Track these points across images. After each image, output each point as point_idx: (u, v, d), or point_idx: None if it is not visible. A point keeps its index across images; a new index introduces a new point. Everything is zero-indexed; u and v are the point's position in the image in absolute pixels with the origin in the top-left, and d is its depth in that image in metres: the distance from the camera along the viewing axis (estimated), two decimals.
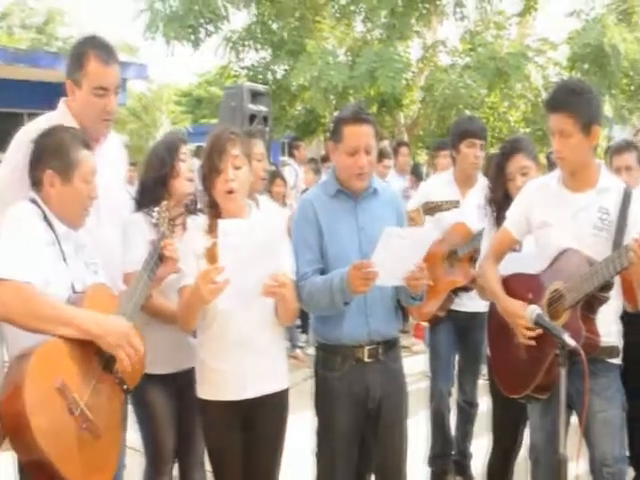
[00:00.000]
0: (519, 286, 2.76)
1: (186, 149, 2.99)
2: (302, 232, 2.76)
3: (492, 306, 2.93)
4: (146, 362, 2.45)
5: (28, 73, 12.54)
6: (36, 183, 2.33)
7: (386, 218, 2.78)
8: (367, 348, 2.73)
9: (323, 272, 2.72)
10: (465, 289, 3.66)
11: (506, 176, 3.19)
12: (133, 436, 3.03)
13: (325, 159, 8.13)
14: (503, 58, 9.48)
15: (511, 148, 3.23)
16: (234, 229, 2.32)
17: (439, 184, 4.00)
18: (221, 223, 2.31)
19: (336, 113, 10.80)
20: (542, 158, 8.57)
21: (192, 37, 11.14)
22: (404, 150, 7.96)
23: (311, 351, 5.62)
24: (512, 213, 2.87)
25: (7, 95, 12.19)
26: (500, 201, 3.17)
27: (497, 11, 11.35)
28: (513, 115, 11.70)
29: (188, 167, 2.95)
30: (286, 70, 11.32)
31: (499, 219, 3.11)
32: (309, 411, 3.04)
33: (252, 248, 2.32)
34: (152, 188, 2.89)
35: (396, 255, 2.44)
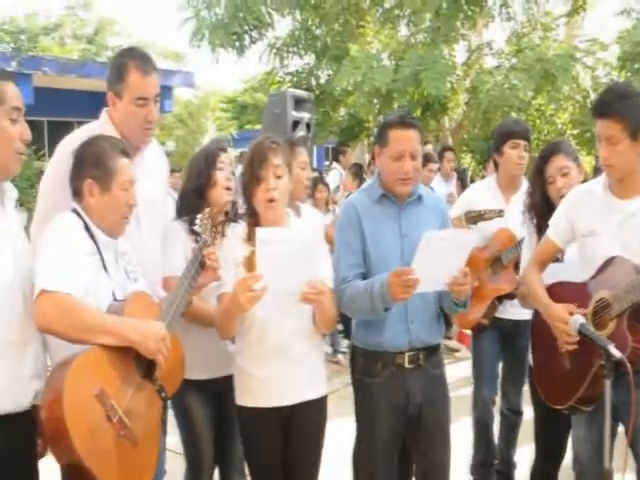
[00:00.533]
0: (564, 295, 2.69)
1: (225, 157, 3.01)
2: (345, 236, 2.76)
3: (535, 314, 2.87)
4: (185, 368, 2.48)
5: (78, 83, 12.87)
6: (77, 193, 2.37)
7: (430, 225, 2.75)
8: (408, 354, 2.72)
9: (365, 276, 2.71)
10: (509, 296, 3.59)
11: (545, 179, 3.12)
12: (174, 439, 3.07)
13: (371, 164, 8.13)
14: (550, 60, 9.30)
15: (549, 150, 3.17)
16: (272, 237, 2.33)
17: (482, 190, 3.94)
18: (259, 231, 2.32)
19: (380, 118, 10.82)
20: (592, 161, 8.39)
21: (237, 44, 11.26)
22: (449, 155, 7.88)
23: None
24: (555, 221, 2.80)
25: (58, 105, 12.53)
26: (540, 206, 3.09)
27: (544, 12, 11.16)
28: (560, 117, 11.48)
29: (226, 176, 2.96)
30: (329, 75, 11.34)
31: (539, 225, 3.05)
32: (350, 417, 3.02)
33: (290, 256, 2.33)
34: (191, 198, 2.93)
35: (437, 260, 2.42)
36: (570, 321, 2.41)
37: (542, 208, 3.07)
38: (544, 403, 2.79)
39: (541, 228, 3.01)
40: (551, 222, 2.82)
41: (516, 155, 3.68)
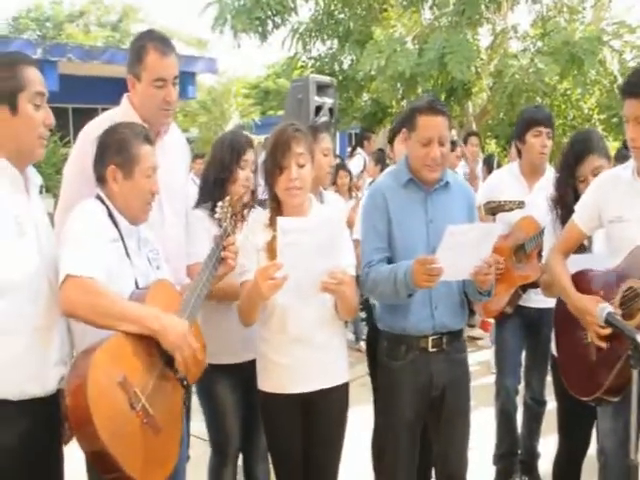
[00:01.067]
0: (589, 283, 2.64)
1: (250, 154, 2.99)
2: (371, 219, 2.76)
3: (559, 303, 2.82)
4: (211, 353, 2.48)
5: (103, 70, 12.93)
6: (100, 179, 2.38)
7: (456, 212, 2.76)
8: (431, 338, 2.73)
9: (390, 260, 2.72)
10: (534, 285, 3.54)
11: (576, 178, 3.04)
12: (198, 425, 3.08)
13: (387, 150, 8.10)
14: (577, 43, 9.12)
15: (583, 149, 3.03)
16: (293, 227, 2.33)
17: (505, 177, 3.88)
18: (280, 221, 2.32)
19: (403, 103, 10.71)
20: (619, 146, 8.26)
21: (259, 29, 11.20)
22: (474, 140, 7.88)
23: None
24: (581, 207, 2.74)
25: (83, 91, 12.61)
26: (570, 204, 2.97)
27: None
28: (587, 102, 11.28)
29: (246, 175, 2.96)
30: (352, 60, 11.25)
31: (565, 222, 2.96)
32: (371, 404, 3.02)
33: (310, 245, 2.33)
34: (212, 188, 2.94)
35: (461, 251, 2.41)
36: (597, 310, 2.37)
37: (572, 205, 2.95)
38: (568, 394, 2.75)
39: (564, 221, 2.94)
40: (577, 207, 2.77)
41: (539, 143, 3.62)
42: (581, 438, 3.13)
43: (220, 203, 2.63)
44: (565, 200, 3.04)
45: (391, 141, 3.64)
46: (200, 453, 3.17)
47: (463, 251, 2.42)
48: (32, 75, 2.11)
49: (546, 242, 3.15)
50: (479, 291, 2.66)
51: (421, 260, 2.46)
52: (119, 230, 2.34)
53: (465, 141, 7.80)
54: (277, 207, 2.62)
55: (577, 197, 2.98)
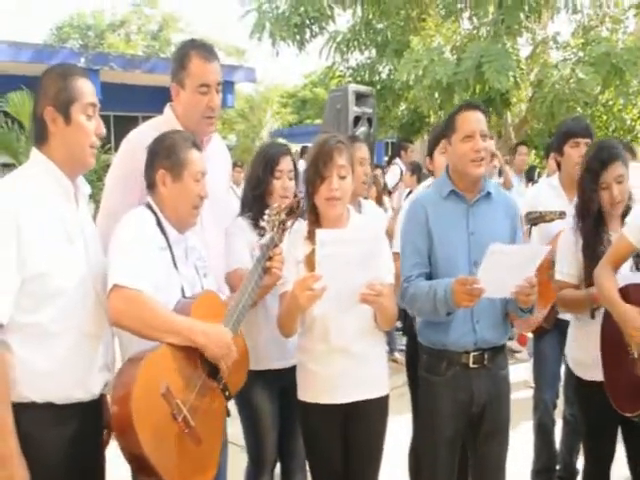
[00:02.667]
0: (638, 297, 2.61)
1: (285, 163, 2.98)
2: (411, 234, 2.76)
3: (605, 318, 2.79)
4: (251, 359, 2.51)
5: (143, 78, 13.16)
6: (150, 185, 2.43)
7: (498, 223, 2.75)
8: (473, 354, 2.71)
9: (429, 275, 2.71)
10: None
11: (599, 184, 2.95)
12: (235, 431, 3.09)
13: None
14: (618, 53, 9.00)
15: (610, 155, 2.96)
16: (331, 238, 2.34)
17: (545, 189, 3.85)
18: (319, 233, 2.34)
19: (441, 113, 10.64)
20: None
21: (297, 37, 11.28)
22: (522, 149, 7.83)
23: None
24: (633, 220, 2.72)
25: (123, 99, 12.84)
26: (594, 211, 2.94)
27: (614, 2, 10.77)
28: (629, 113, 11.10)
29: (283, 185, 2.96)
30: (390, 70, 11.25)
31: (589, 231, 2.93)
32: (407, 415, 3.00)
33: (349, 257, 2.34)
34: (252, 204, 2.96)
35: (503, 270, 2.39)
36: None
37: (593, 213, 2.94)
38: (592, 409, 2.73)
39: (590, 234, 2.91)
40: (628, 219, 2.74)
41: (577, 155, 3.57)
42: (607, 452, 3.07)
43: (267, 211, 2.63)
44: (590, 207, 2.96)
45: (430, 153, 3.62)
46: (235, 459, 3.18)
47: (506, 270, 2.40)
48: (85, 86, 2.18)
49: (562, 249, 3.06)
50: (521, 308, 2.64)
51: (462, 280, 2.45)
52: (167, 239, 2.37)
53: (514, 150, 7.79)
54: (315, 220, 2.64)
55: (599, 205, 2.94)
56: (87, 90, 2.18)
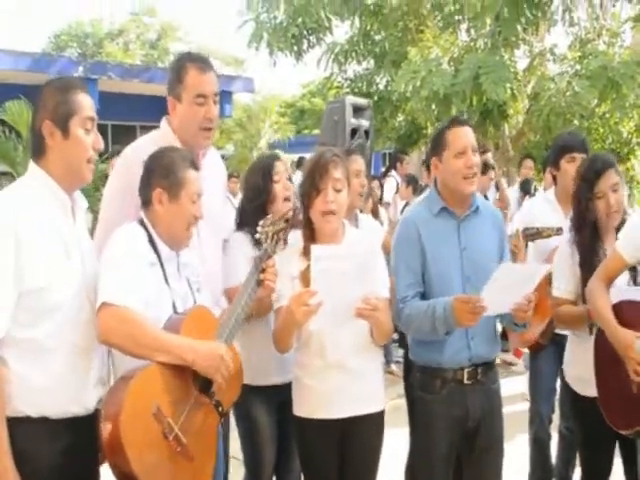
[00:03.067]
0: (633, 315, 2.61)
1: (280, 166, 3.01)
2: (404, 254, 2.75)
3: (599, 334, 2.78)
4: (247, 373, 2.50)
5: (142, 88, 13.18)
6: (146, 203, 2.41)
7: (487, 237, 2.77)
8: (467, 370, 2.71)
9: (424, 294, 2.71)
10: None
11: (594, 194, 2.95)
12: (233, 444, 3.08)
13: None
14: (615, 67, 9.05)
15: (603, 164, 2.97)
16: (326, 254, 2.35)
17: (541, 204, 3.86)
18: (314, 249, 2.34)
19: (437, 125, 10.65)
20: None
21: (295, 48, 11.31)
22: (528, 163, 7.90)
23: None
24: (626, 235, 2.72)
25: (121, 109, 12.85)
26: (591, 222, 2.93)
27: (611, 14, 10.83)
28: (626, 126, 11.14)
29: (284, 186, 2.98)
30: (388, 81, 11.29)
31: (585, 244, 2.92)
32: (403, 428, 2.99)
33: (344, 272, 2.34)
34: (252, 214, 2.92)
35: (505, 288, 2.42)
36: (636, 345, 2.34)
37: (589, 223, 2.94)
38: (588, 423, 2.73)
39: (582, 245, 2.92)
40: (621, 235, 2.74)
41: (573, 170, 3.57)
42: (604, 466, 3.06)
43: (261, 222, 2.61)
44: (587, 217, 2.95)
45: (428, 165, 3.63)
46: (232, 472, 3.17)
47: (508, 288, 2.42)
48: (83, 100, 2.17)
49: (558, 264, 3.06)
50: (515, 323, 2.65)
51: (464, 299, 2.46)
52: (158, 255, 2.35)
53: (519, 164, 7.91)
54: (311, 235, 2.63)
55: (594, 215, 2.93)
56: (86, 104, 2.18)
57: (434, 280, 2.70)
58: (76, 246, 2.19)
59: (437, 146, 2.76)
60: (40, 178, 2.15)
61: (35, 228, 2.06)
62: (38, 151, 2.16)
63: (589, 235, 2.92)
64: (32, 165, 2.18)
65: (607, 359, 2.68)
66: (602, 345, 2.74)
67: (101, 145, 2.22)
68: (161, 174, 2.37)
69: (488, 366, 2.77)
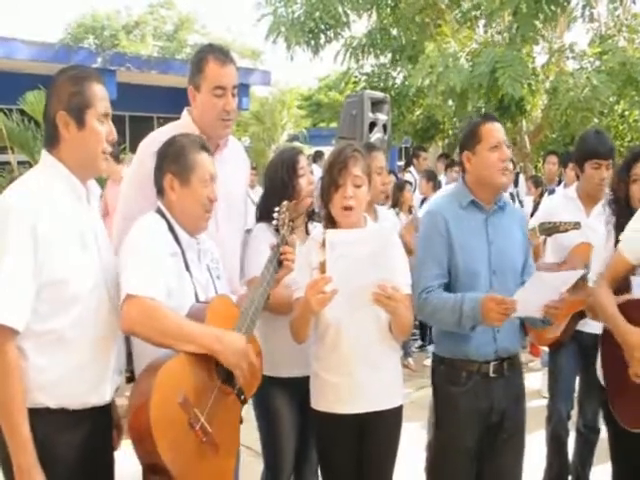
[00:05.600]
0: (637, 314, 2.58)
1: (303, 160, 3.02)
2: (431, 244, 2.75)
3: (606, 331, 2.76)
4: (269, 365, 2.50)
5: (159, 79, 13.21)
6: (160, 190, 2.41)
7: (514, 233, 2.81)
8: (493, 363, 2.72)
9: (448, 286, 2.72)
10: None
11: (630, 176, 3.01)
12: (251, 436, 3.07)
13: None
14: (635, 63, 8.97)
15: None
16: (341, 239, 2.34)
17: (562, 201, 3.84)
18: (328, 234, 2.35)
19: (455, 120, 10.58)
20: None
21: (312, 42, 11.29)
22: (552, 158, 7.82)
23: (427, 362, 5.56)
24: (629, 235, 2.72)
25: (139, 100, 12.90)
26: (622, 203, 3.01)
27: (631, 14, 10.74)
28: None
29: (308, 180, 2.99)
30: (405, 77, 11.26)
31: (618, 224, 2.95)
32: (419, 423, 2.99)
33: (359, 259, 2.33)
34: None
35: (538, 293, 2.46)
36: None
37: (622, 205, 3.00)
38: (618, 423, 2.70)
39: (619, 226, 2.91)
40: (623, 236, 2.74)
41: (598, 176, 3.57)
42: (634, 469, 3.05)
43: (277, 208, 2.61)
44: (618, 199, 3.04)
45: (453, 160, 3.61)
46: (251, 464, 3.19)
47: (540, 293, 2.46)
48: (99, 91, 2.15)
49: (595, 259, 3.11)
50: (541, 320, 2.66)
51: (498, 300, 2.47)
52: (179, 243, 2.36)
53: (543, 159, 7.93)
54: (332, 227, 2.62)
55: (628, 197, 3.00)
56: (101, 95, 2.15)
57: (461, 272, 2.70)
58: (92, 235, 2.18)
59: (470, 140, 2.78)
60: (53, 167, 2.13)
61: (51, 220, 2.05)
62: (52, 141, 2.15)
63: (623, 214, 2.93)
64: (45, 154, 2.16)
65: (615, 357, 2.65)
66: (608, 342, 2.71)
67: (115, 136, 2.20)
68: (171, 160, 2.38)
69: (513, 360, 2.79)
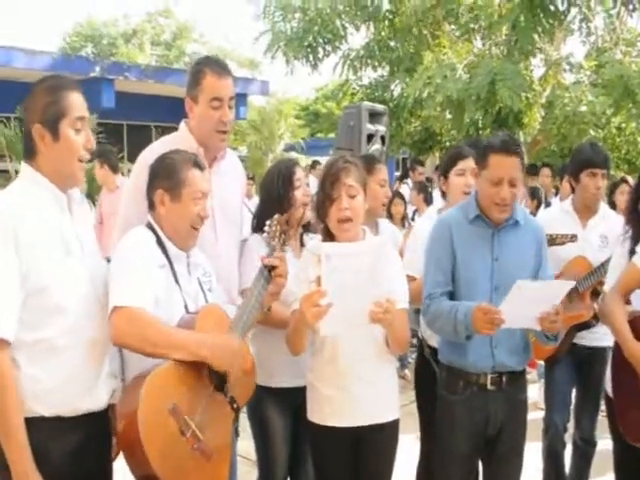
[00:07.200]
0: None
1: (299, 172, 3.03)
2: (436, 252, 2.77)
3: (617, 345, 2.77)
4: (264, 375, 2.50)
5: (157, 88, 13.24)
6: (151, 205, 2.43)
7: (525, 251, 2.76)
8: (490, 376, 2.72)
9: (452, 294, 2.73)
10: (587, 326, 3.50)
11: None
12: (246, 445, 3.08)
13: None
14: (631, 76, 9.03)
15: None
16: (337, 252, 2.31)
17: (558, 213, 3.85)
18: (324, 246, 2.33)
19: (452, 132, 10.61)
20: None
21: (311, 57, 11.32)
22: (546, 171, 7.90)
23: None
24: None
25: (137, 109, 12.93)
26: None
27: (627, 28, 10.81)
28: None
29: (303, 192, 2.99)
30: (403, 88, 11.29)
31: (634, 235, 2.91)
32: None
33: (355, 272, 2.30)
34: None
35: (527, 303, 2.42)
36: None
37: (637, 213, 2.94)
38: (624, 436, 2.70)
39: (635, 237, 2.89)
40: (639, 248, 2.74)
41: (593, 185, 3.57)
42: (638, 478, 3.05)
43: (268, 222, 2.60)
44: (636, 206, 2.97)
45: (445, 173, 3.57)
46: (244, 472, 3.18)
47: (529, 303, 2.42)
48: (75, 100, 2.14)
49: (610, 273, 3.01)
50: (545, 335, 2.65)
51: (484, 309, 2.46)
52: (168, 256, 2.36)
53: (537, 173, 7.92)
54: (330, 241, 2.59)
55: None
56: (76, 104, 2.14)
57: (461, 284, 2.71)
58: (76, 242, 2.17)
59: (479, 160, 2.75)
60: (33, 178, 2.13)
61: (34, 229, 2.04)
62: (29, 153, 2.15)
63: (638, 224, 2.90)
64: (24, 165, 2.16)
65: (625, 370, 2.67)
66: (619, 355, 2.72)
67: (92, 144, 2.19)
68: (162, 176, 2.39)
69: (515, 375, 2.76)
